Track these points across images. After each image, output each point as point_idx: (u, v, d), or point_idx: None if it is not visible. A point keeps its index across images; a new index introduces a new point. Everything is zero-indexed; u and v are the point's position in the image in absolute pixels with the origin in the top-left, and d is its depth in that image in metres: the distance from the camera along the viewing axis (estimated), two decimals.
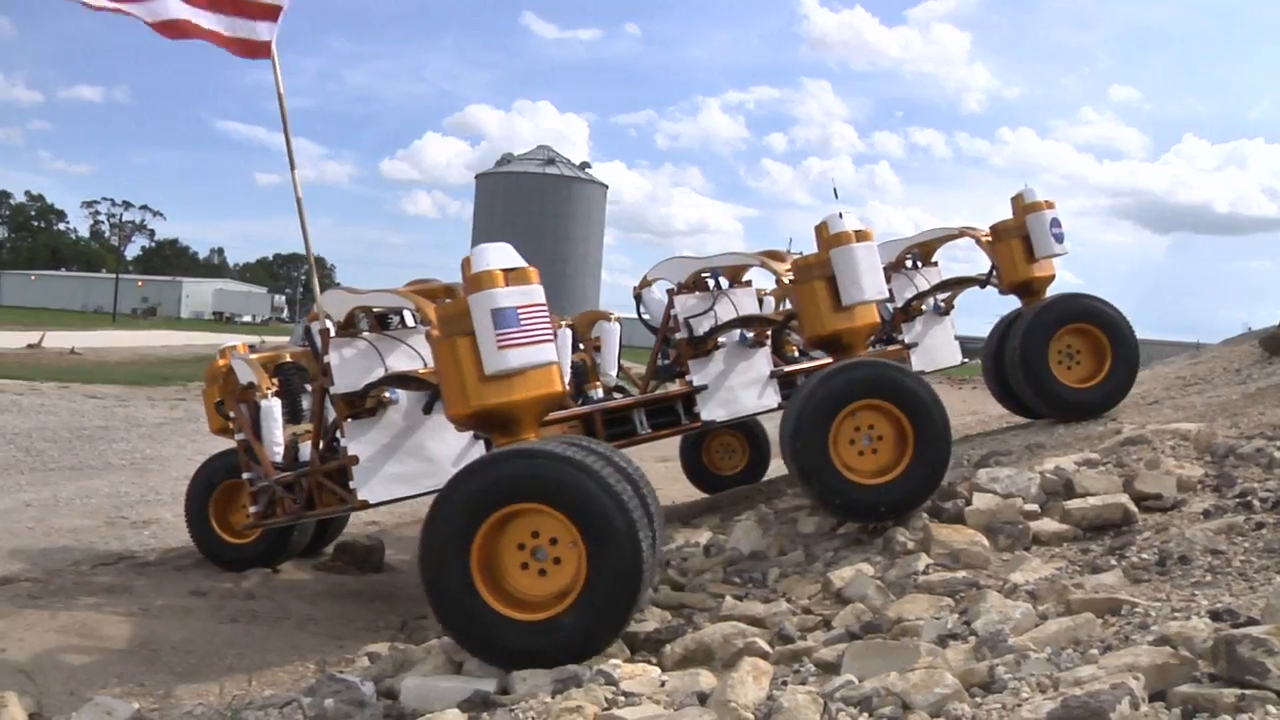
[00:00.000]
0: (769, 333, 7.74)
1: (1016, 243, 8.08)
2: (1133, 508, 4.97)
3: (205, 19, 6.53)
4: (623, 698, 3.72)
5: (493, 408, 4.57)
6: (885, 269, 8.58)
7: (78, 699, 5.15)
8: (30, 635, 6.10)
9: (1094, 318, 7.75)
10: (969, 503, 5.51)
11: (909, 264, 9.09)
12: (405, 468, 5.94)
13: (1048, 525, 5.12)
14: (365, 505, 6.09)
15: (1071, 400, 7.71)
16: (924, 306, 8.84)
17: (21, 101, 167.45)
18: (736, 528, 6.44)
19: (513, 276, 4.54)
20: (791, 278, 6.51)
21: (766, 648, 4.22)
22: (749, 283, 8.00)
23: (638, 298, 8.11)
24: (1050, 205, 8.10)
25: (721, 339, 7.45)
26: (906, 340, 8.66)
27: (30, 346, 34.43)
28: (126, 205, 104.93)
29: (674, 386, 7.68)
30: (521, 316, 4.47)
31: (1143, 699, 2.77)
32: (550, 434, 6.15)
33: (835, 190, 6.91)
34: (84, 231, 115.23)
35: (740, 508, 7.87)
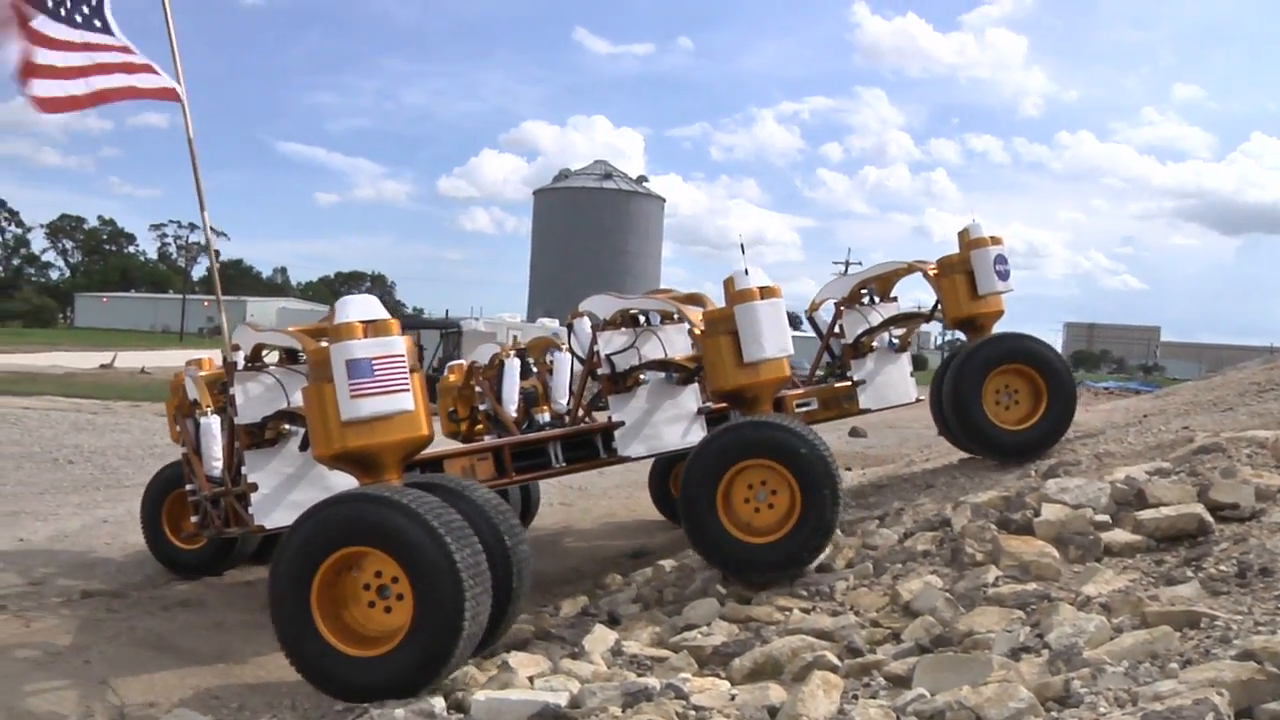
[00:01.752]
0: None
1: (961, 278, 8.00)
2: (1208, 518, 4.87)
3: (106, 81, 6.99)
4: (693, 711, 3.73)
5: (354, 450, 4.82)
6: (838, 304, 8.71)
7: (157, 710, 5.28)
8: (110, 648, 6.25)
9: (1028, 359, 7.67)
10: (1037, 513, 5.44)
11: (865, 299, 8.92)
12: (304, 496, 6.07)
13: (1119, 536, 5.03)
14: (262, 530, 6.26)
15: (1001, 441, 7.66)
16: (876, 343, 8.65)
17: (93, 131, 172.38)
18: None
19: (372, 329, 4.79)
20: (700, 329, 6.60)
21: (836, 661, 4.20)
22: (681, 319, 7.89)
23: (569, 328, 8.22)
24: (997, 241, 8.02)
25: (644, 376, 7.40)
26: (856, 377, 8.46)
27: (103, 367, 35.38)
28: (192, 227, 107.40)
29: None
30: (376, 367, 4.71)
31: (1228, 716, 2.72)
32: (457, 468, 6.61)
33: (741, 246, 6.91)
34: (152, 253, 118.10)
35: None
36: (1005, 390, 7.70)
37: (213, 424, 7.13)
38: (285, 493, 6.20)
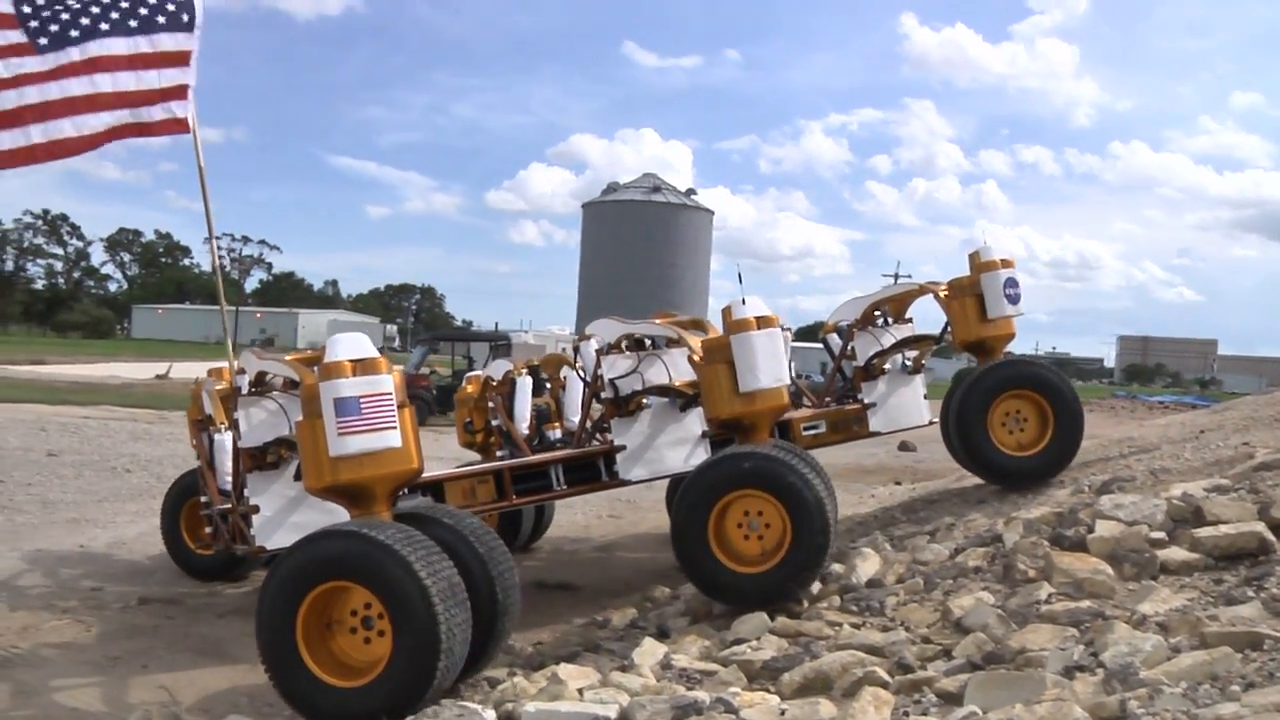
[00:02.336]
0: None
1: (971, 301, 7.92)
2: (1270, 536, 4.77)
3: (112, 118, 6.56)
4: None
5: (343, 484, 4.95)
6: (850, 326, 8.64)
7: (212, 715, 5.38)
8: (168, 653, 6.38)
9: (1033, 384, 7.57)
10: (1091, 530, 5.36)
11: (879, 320, 8.85)
12: (305, 519, 6.16)
13: (1176, 554, 4.94)
14: (262, 551, 6.35)
15: (1006, 467, 7.58)
16: (888, 365, 8.58)
17: (150, 146, 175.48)
18: (853, 555, 6.39)
19: (360, 367, 4.90)
20: (699, 357, 6.62)
21: (886, 677, 4.17)
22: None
23: (576, 350, 8.27)
24: (1008, 264, 7.93)
25: (647, 399, 7.40)
26: (867, 400, 8.41)
27: (158, 377, 36.01)
28: (245, 240, 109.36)
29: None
30: (363, 405, 4.83)
31: None
32: (457, 491, 6.80)
33: (740, 275, 6.92)
34: (206, 266, 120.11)
35: (855, 534, 7.79)
36: (1013, 415, 7.64)
37: (225, 440, 7.31)
38: (287, 515, 6.31)
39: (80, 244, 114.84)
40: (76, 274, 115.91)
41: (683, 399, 7.30)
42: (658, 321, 7.82)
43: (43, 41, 6.39)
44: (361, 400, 4.83)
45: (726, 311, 6.42)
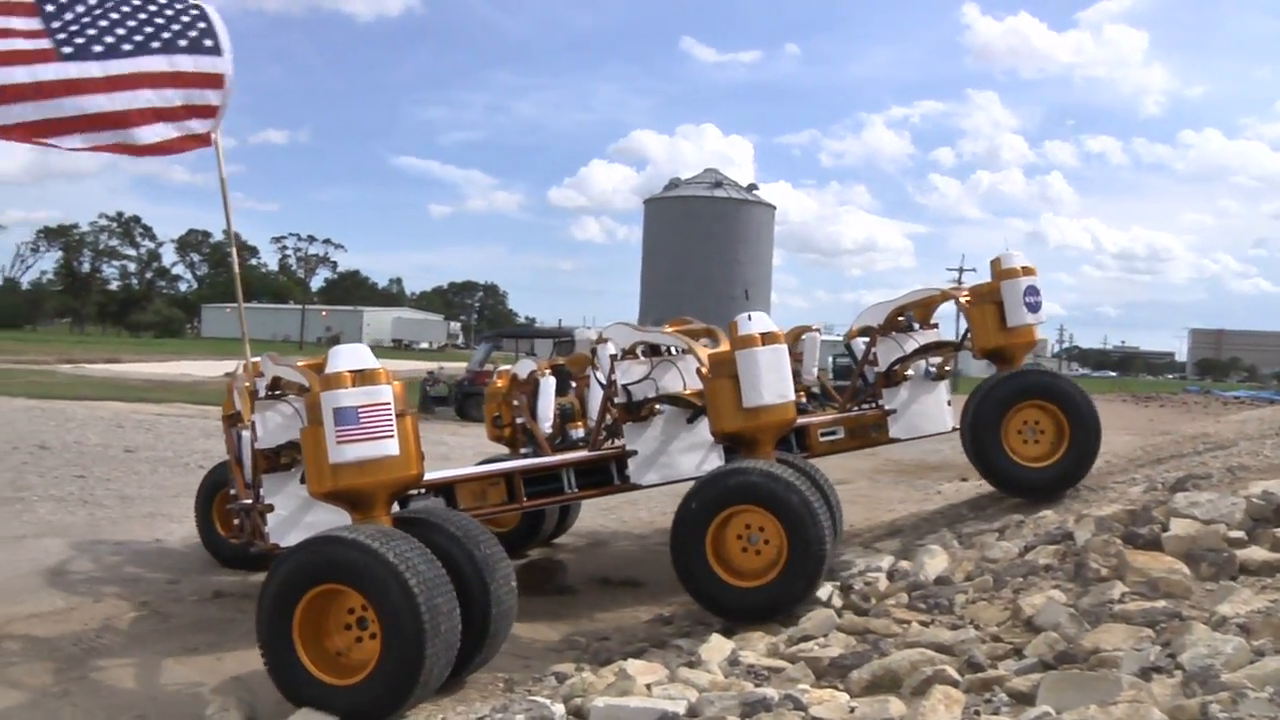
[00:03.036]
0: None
1: (991, 308, 7.88)
2: None
3: (138, 135, 6.61)
4: None
5: (343, 490, 5.19)
6: (871, 331, 8.61)
7: (285, 707, 5.49)
8: (240, 646, 6.52)
9: (1048, 395, 7.49)
10: (1165, 528, 5.26)
11: (906, 325, 8.76)
12: (317, 518, 6.24)
13: (1256, 554, 4.83)
14: (276, 548, 6.41)
15: (1019, 478, 7.52)
16: (911, 371, 8.51)
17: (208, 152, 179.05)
18: (920, 552, 6.34)
19: (360, 378, 5.10)
20: (705, 370, 6.65)
21: (956, 676, 4.13)
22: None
23: (593, 351, 8.29)
24: (1029, 272, 7.87)
25: (659, 406, 7.40)
26: (888, 406, 8.35)
27: (227, 375, 36.72)
28: (311, 239, 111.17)
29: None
30: (361, 415, 5.04)
31: None
32: (468, 493, 6.87)
33: (746, 293, 6.86)
34: (273, 265, 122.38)
35: (922, 531, 7.73)
36: (1030, 425, 7.57)
37: (249, 437, 7.42)
38: (300, 515, 6.41)
39: (152, 245, 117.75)
40: (149, 274, 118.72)
41: (691, 410, 7.31)
42: (669, 329, 7.87)
43: (67, 50, 6.56)
44: (360, 410, 5.05)
45: (733, 326, 6.49)
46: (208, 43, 6.88)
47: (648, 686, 4.51)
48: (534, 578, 8.26)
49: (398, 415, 5.14)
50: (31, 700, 5.60)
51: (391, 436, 5.10)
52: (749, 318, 6.40)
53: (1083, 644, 4.22)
